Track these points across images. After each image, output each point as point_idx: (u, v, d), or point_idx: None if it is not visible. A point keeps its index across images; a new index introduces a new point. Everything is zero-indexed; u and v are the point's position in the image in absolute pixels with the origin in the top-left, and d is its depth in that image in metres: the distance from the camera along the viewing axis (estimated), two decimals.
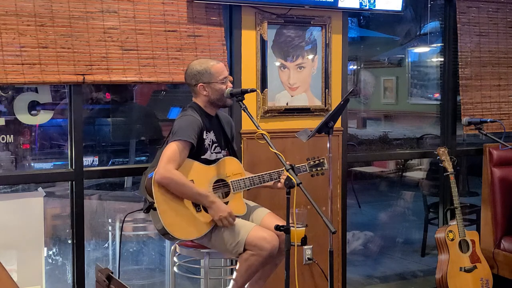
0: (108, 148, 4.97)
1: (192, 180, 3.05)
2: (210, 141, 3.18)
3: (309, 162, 3.38)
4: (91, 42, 3.34)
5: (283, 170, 3.19)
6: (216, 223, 3.08)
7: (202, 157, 3.14)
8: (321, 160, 3.40)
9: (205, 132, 3.14)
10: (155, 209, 2.97)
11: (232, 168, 3.23)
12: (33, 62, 3.21)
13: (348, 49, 4.09)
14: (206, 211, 3.08)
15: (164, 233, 3.01)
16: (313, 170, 3.38)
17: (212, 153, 3.19)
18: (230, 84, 3.22)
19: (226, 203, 3.14)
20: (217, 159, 3.20)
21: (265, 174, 3.25)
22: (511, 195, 4.31)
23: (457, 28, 4.45)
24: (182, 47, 3.58)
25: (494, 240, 4.26)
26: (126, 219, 3.66)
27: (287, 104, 3.89)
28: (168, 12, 3.54)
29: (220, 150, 3.24)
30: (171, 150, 2.98)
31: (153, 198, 2.97)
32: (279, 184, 3.24)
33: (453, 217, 4.05)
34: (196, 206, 3.06)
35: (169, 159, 2.96)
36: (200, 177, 3.08)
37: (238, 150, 3.67)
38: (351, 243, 5.26)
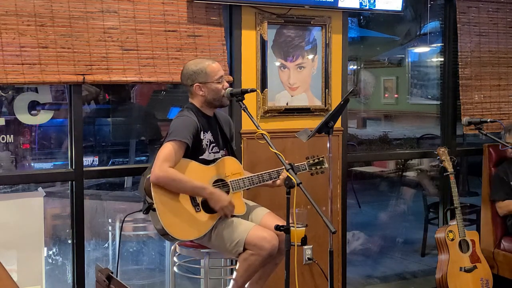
0: (108, 148, 4.97)
1: None
2: (207, 141, 3.18)
3: (309, 161, 3.37)
4: (91, 42, 3.34)
5: (282, 169, 3.19)
6: (215, 224, 3.08)
7: (200, 157, 3.13)
8: (321, 159, 3.39)
9: (202, 132, 3.14)
10: (154, 210, 2.97)
11: (231, 168, 3.22)
12: (33, 62, 3.21)
13: (348, 49, 4.09)
14: (205, 211, 3.07)
15: (163, 234, 3.01)
16: (313, 168, 3.37)
17: (210, 153, 3.18)
18: (226, 84, 3.20)
19: None
20: (216, 159, 3.20)
21: (264, 173, 3.25)
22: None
23: (457, 28, 4.45)
24: (182, 47, 3.58)
25: (494, 240, 4.26)
26: (126, 219, 3.66)
27: (287, 104, 3.89)
28: (168, 12, 3.54)
29: (218, 150, 3.24)
30: (166, 150, 2.98)
31: (152, 199, 2.97)
32: (278, 182, 3.23)
33: (453, 217, 4.05)
34: (195, 206, 3.06)
35: (164, 158, 2.95)
36: (198, 177, 3.08)
37: (238, 150, 3.67)
38: (351, 243, 5.26)
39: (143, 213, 3.05)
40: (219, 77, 3.17)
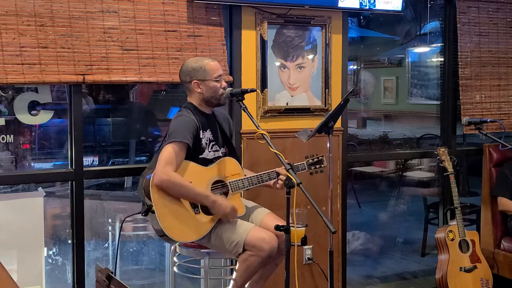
0: (108, 148, 4.97)
1: (190, 181, 3.04)
2: (207, 140, 3.17)
3: (308, 160, 3.36)
4: (91, 42, 3.34)
5: (281, 168, 3.17)
6: (215, 225, 3.09)
7: (200, 156, 3.13)
8: (320, 158, 3.38)
9: (201, 131, 3.14)
10: (153, 212, 2.96)
11: (231, 168, 3.22)
12: (33, 62, 3.21)
13: (348, 49, 4.09)
14: (204, 212, 3.07)
15: (162, 235, 3.01)
16: (312, 168, 3.36)
17: (210, 151, 3.18)
18: (224, 83, 3.21)
19: None
20: (216, 158, 3.19)
21: (263, 173, 3.24)
22: (510, 195, 4.30)
23: (457, 28, 4.44)
24: (182, 47, 3.58)
25: (494, 240, 4.26)
26: (125, 219, 3.66)
27: (287, 104, 3.89)
28: (168, 12, 3.54)
29: (218, 148, 3.23)
30: (168, 152, 2.97)
31: (151, 201, 2.96)
32: (278, 185, 3.23)
33: (453, 217, 4.05)
34: (195, 208, 3.05)
35: (167, 161, 2.95)
36: (198, 179, 3.07)
37: (238, 150, 3.66)
38: (351, 243, 5.26)
39: (142, 215, 3.04)
40: (218, 76, 3.17)
